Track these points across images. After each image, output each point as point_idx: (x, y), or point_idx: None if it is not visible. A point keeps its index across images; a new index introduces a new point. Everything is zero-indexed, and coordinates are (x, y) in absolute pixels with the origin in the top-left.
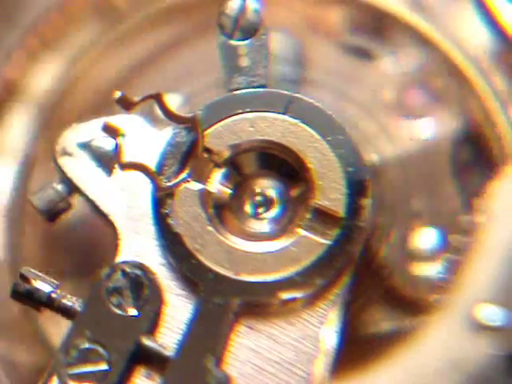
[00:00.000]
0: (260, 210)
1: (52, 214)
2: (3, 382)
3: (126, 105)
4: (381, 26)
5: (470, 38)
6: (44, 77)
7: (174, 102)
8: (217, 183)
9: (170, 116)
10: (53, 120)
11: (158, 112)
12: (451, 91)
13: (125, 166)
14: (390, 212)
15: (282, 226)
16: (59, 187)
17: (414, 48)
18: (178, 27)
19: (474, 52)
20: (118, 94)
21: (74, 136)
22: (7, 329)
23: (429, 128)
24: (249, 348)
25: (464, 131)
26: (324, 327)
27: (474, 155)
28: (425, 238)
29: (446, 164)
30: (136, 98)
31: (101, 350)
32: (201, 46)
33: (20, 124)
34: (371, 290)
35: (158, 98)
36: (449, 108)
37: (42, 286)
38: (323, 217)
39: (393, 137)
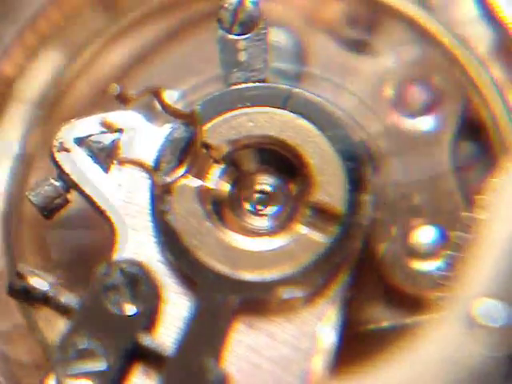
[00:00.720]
0: (259, 207)
1: (49, 209)
2: None
3: (124, 100)
4: (380, 20)
5: (470, 32)
6: (42, 73)
7: (172, 96)
8: (215, 179)
9: (169, 111)
10: (51, 116)
11: (158, 107)
12: (451, 86)
13: (122, 162)
14: (390, 208)
15: (282, 223)
16: (57, 183)
17: (413, 42)
18: (176, 21)
19: (475, 46)
20: (115, 88)
21: (71, 132)
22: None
23: (429, 123)
24: (247, 345)
25: (464, 126)
26: (322, 325)
27: (474, 150)
28: (425, 234)
29: (446, 159)
30: (134, 93)
31: (98, 348)
32: (199, 41)
33: (17, 121)
34: (370, 287)
35: (156, 92)
36: (449, 103)
37: (39, 283)
38: (323, 213)
39: (392, 132)
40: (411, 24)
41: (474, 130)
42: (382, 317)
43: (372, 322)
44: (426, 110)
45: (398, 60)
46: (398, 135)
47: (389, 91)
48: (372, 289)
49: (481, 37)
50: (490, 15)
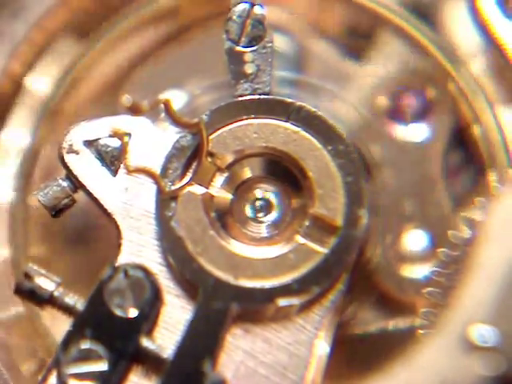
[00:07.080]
0: (260, 215)
1: (57, 210)
2: None
3: (137, 110)
4: (377, 30)
5: (462, 44)
6: (48, 72)
7: (176, 100)
8: (219, 187)
9: (176, 121)
10: (56, 115)
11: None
12: (443, 96)
13: (130, 170)
14: (383, 215)
15: (281, 232)
16: (64, 184)
17: (408, 53)
18: (175, 25)
19: (466, 57)
20: (127, 100)
21: (80, 134)
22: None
23: (421, 132)
24: (244, 350)
25: (455, 136)
26: (318, 332)
27: (464, 159)
28: (415, 240)
29: (437, 168)
30: (145, 104)
31: (100, 349)
32: (198, 44)
33: (24, 119)
34: (362, 292)
35: (165, 103)
36: (441, 113)
37: (45, 283)
38: (321, 225)
39: (386, 140)
40: (407, 35)
41: (464, 138)
42: (371, 320)
43: (362, 325)
44: (419, 117)
45: (392, 69)
46: (391, 143)
47: (383, 100)
48: (363, 294)
49: (472, 48)
50: (482, 28)
